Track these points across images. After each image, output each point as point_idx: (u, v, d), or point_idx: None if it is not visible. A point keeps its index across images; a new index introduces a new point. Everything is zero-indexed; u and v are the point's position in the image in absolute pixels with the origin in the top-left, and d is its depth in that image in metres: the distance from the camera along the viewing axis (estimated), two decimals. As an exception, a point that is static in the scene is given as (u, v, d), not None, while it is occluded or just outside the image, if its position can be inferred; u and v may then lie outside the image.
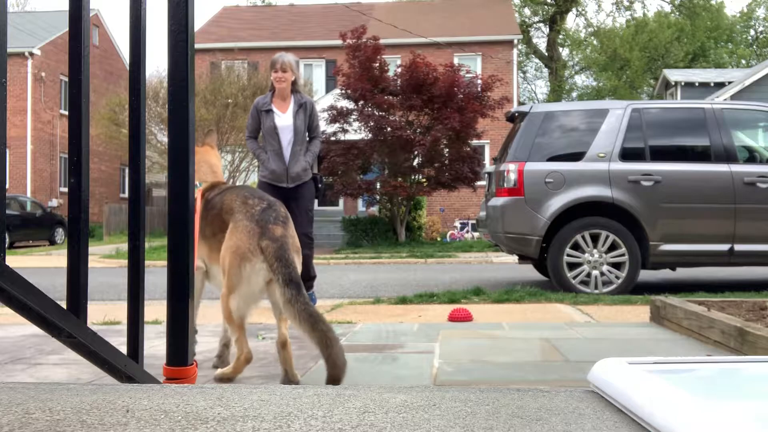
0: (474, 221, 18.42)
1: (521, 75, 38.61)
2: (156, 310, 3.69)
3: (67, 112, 1.69)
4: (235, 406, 1.21)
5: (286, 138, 4.74)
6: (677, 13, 39.40)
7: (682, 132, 6.49)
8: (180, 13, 1.80)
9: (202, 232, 2.65)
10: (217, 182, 2.98)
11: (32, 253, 16.42)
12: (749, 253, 6.10)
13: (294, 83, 4.79)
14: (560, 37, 40.35)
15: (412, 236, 16.78)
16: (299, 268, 2.39)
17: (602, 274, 6.12)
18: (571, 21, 45.85)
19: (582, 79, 43.55)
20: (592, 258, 6.11)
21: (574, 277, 6.10)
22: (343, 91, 15.65)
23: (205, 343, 3.39)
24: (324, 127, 16.46)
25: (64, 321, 1.48)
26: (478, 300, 5.37)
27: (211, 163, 3.14)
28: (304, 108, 4.78)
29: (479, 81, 16.04)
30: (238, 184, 18.09)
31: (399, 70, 15.69)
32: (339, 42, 16.31)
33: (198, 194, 2.75)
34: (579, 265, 6.13)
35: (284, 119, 4.75)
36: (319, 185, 4.89)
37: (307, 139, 4.91)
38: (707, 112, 6.34)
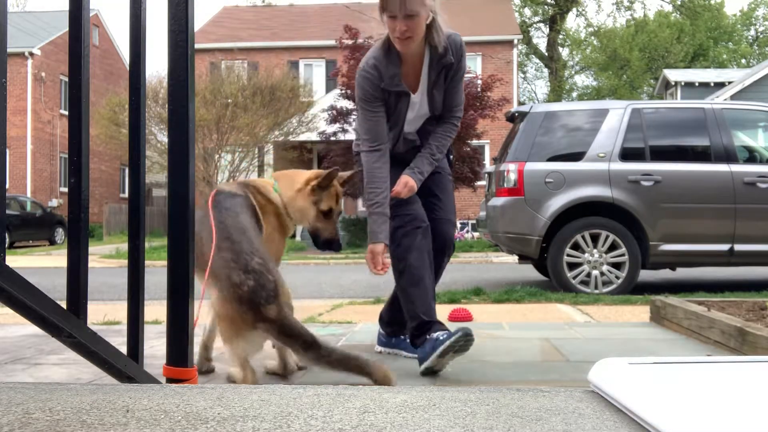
0: (474, 221, 18.42)
1: (521, 75, 38.62)
2: (156, 310, 3.69)
3: (67, 112, 1.69)
4: (235, 406, 1.21)
5: (415, 121, 2.79)
6: (677, 13, 39.41)
7: (682, 132, 6.49)
8: (180, 13, 1.80)
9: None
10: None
11: (32, 253, 16.42)
12: (749, 253, 6.11)
13: (430, 25, 2.51)
14: (560, 37, 40.35)
15: (412, 236, 16.73)
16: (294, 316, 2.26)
17: (602, 274, 6.12)
18: (571, 21, 45.92)
19: (582, 79, 43.60)
20: (592, 258, 6.11)
21: (574, 277, 6.10)
22: (343, 91, 15.66)
23: (205, 343, 3.39)
24: (324, 127, 16.45)
25: (64, 321, 1.48)
26: (478, 300, 5.37)
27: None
28: (446, 69, 2.64)
29: (479, 81, 16.04)
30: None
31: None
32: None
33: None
34: (579, 265, 6.13)
35: (416, 102, 2.71)
36: (450, 156, 3.03)
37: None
38: (707, 112, 6.34)
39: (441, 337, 2.47)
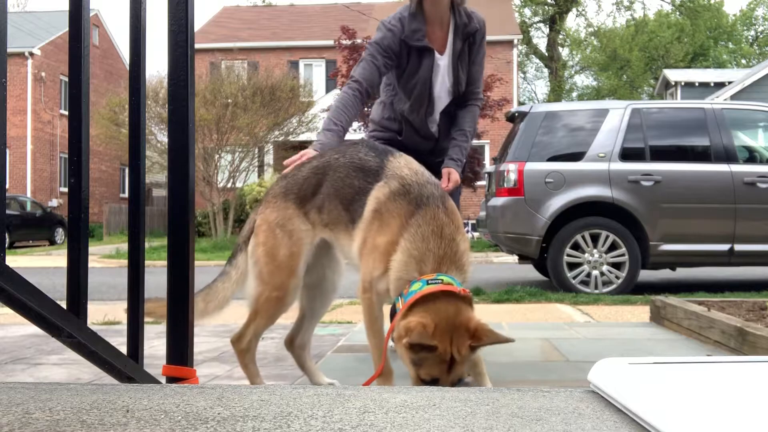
0: (474, 221, 18.43)
1: (521, 75, 38.61)
2: (156, 310, 3.69)
3: (67, 112, 1.69)
4: (235, 406, 1.21)
5: (441, 95, 2.74)
6: (677, 13, 39.41)
7: (682, 132, 6.49)
8: (180, 13, 1.80)
9: None
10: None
11: (32, 253, 16.41)
12: (749, 253, 6.11)
13: None
14: (560, 37, 40.34)
15: (413, 236, 16.74)
16: None
17: (602, 274, 6.13)
18: (571, 21, 45.89)
19: (582, 79, 43.63)
20: (592, 258, 6.11)
21: (574, 277, 6.11)
22: (343, 91, 15.65)
23: (205, 343, 3.39)
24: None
25: (64, 321, 1.48)
26: (478, 300, 5.37)
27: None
28: (471, 40, 2.72)
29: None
30: (238, 185, 18.12)
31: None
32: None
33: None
34: (579, 265, 6.13)
35: (441, 65, 2.70)
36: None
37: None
38: (707, 112, 6.35)
39: None
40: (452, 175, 2.70)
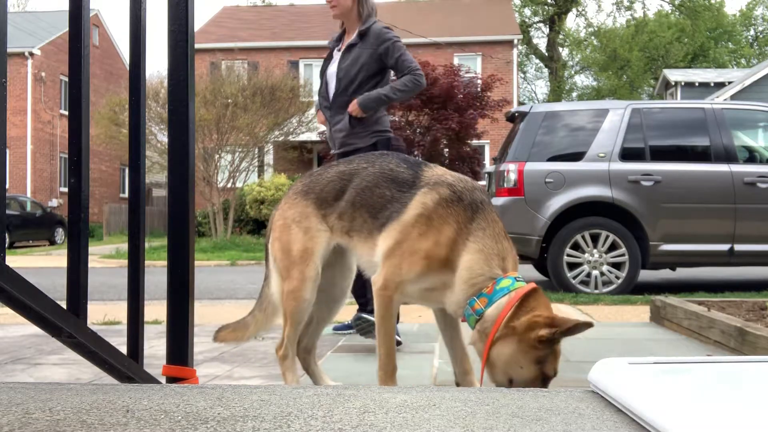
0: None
1: (521, 75, 38.60)
2: (156, 310, 3.69)
3: (67, 112, 1.69)
4: (235, 406, 1.21)
5: (331, 79, 3.57)
6: (677, 13, 39.41)
7: (682, 132, 6.49)
8: (180, 13, 1.80)
9: None
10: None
11: (32, 253, 16.41)
12: (749, 253, 6.11)
13: (361, 3, 3.42)
14: (560, 37, 40.34)
15: (413, 236, 16.74)
16: None
17: (602, 274, 6.12)
18: (571, 21, 45.88)
19: (582, 79, 43.61)
20: (592, 258, 6.11)
21: (574, 277, 6.10)
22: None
23: (205, 343, 3.39)
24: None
25: (64, 321, 1.48)
26: (478, 300, 5.37)
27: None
28: (364, 41, 3.40)
29: (479, 81, 16.04)
30: (238, 185, 18.07)
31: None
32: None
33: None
34: (579, 265, 6.13)
35: (336, 58, 3.56)
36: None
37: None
38: (707, 112, 6.34)
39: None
40: (353, 102, 3.37)
